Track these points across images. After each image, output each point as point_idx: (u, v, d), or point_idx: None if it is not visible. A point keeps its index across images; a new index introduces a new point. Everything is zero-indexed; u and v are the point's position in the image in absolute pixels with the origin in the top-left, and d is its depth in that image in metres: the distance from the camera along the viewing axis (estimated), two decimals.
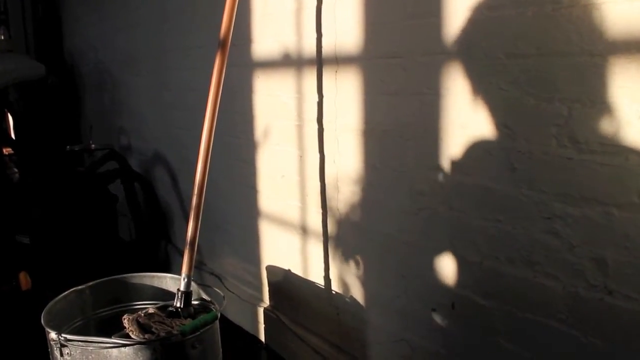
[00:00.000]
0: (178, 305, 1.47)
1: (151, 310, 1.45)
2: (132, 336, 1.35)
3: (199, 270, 2.63)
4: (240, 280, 2.35)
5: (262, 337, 2.18)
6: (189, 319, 1.44)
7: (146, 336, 1.33)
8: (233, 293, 2.35)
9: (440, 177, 1.34)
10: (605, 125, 1.00)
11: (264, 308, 2.15)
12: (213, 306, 1.52)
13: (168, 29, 2.57)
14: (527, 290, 1.19)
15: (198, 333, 1.36)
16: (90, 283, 1.71)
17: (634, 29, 0.94)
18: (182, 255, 2.86)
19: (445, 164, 1.33)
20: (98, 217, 2.83)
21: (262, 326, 2.17)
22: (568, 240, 1.09)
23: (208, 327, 1.39)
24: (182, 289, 1.48)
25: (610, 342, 1.06)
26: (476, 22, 1.20)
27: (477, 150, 1.24)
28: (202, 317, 1.39)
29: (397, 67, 1.41)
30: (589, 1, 0.99)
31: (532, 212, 1.15)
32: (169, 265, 2.95)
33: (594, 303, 1.07)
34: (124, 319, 1.38)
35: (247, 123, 2.06)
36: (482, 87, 1.20)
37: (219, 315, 1.45)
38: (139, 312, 1.43)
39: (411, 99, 1.39)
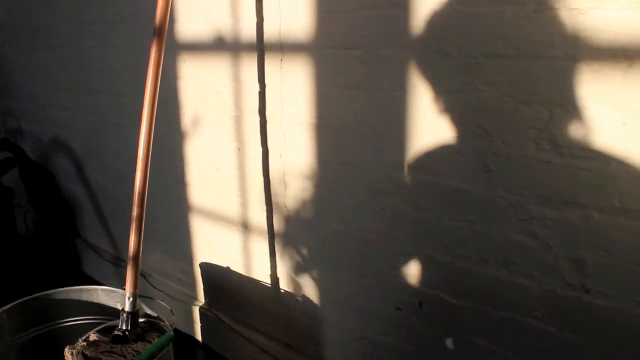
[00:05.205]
0: (125, 328, 1.32)
1: (93, 338, 1.29)
2: None
3: (117, 267, 2.43)
4: (169, 277, 2.19)
5: (199, 337, 2.07)
6: (139, 342, 1.30)
7: None
8: (161, 291, 2.20)
9: (406, 176, 1.30)
10: (588, 132, 1.00)
11: (200, 307, 2.03)
12: (163, 324, 1.39)
13: None
14: (502, 289, 1.19)
15: None
16: (6, 307, 1.49)
17: (621, 38, 0.93)
18: (94, 251, 2.63)
19: (412, 163, 1.28)
20: None
21: (197, 325, 2.06)
22: (546, 241, 1.10)
23: (165, 350, 1.27)
24: (127, 309, 1.33)
25: (587, 337, 1.09)
26: (448, 18, 1.14)
27: (447, 150, 1.21)
28: (158, 342, 1.26)
29: (356, 60, 1.32)
30: (574, 6, 0.97)
31: (508, 214, 1.14)
32: (79, 261, 2.70)
33: (572, 301, 1.09)
34: (67, 353, 1.21)
35: (174, 112, 1.88)
36: (455, 87, 1.16)
37: (173, 335, 1.33)
38: (80, 342, 1.26)
39: (373, 94, 1.31)
